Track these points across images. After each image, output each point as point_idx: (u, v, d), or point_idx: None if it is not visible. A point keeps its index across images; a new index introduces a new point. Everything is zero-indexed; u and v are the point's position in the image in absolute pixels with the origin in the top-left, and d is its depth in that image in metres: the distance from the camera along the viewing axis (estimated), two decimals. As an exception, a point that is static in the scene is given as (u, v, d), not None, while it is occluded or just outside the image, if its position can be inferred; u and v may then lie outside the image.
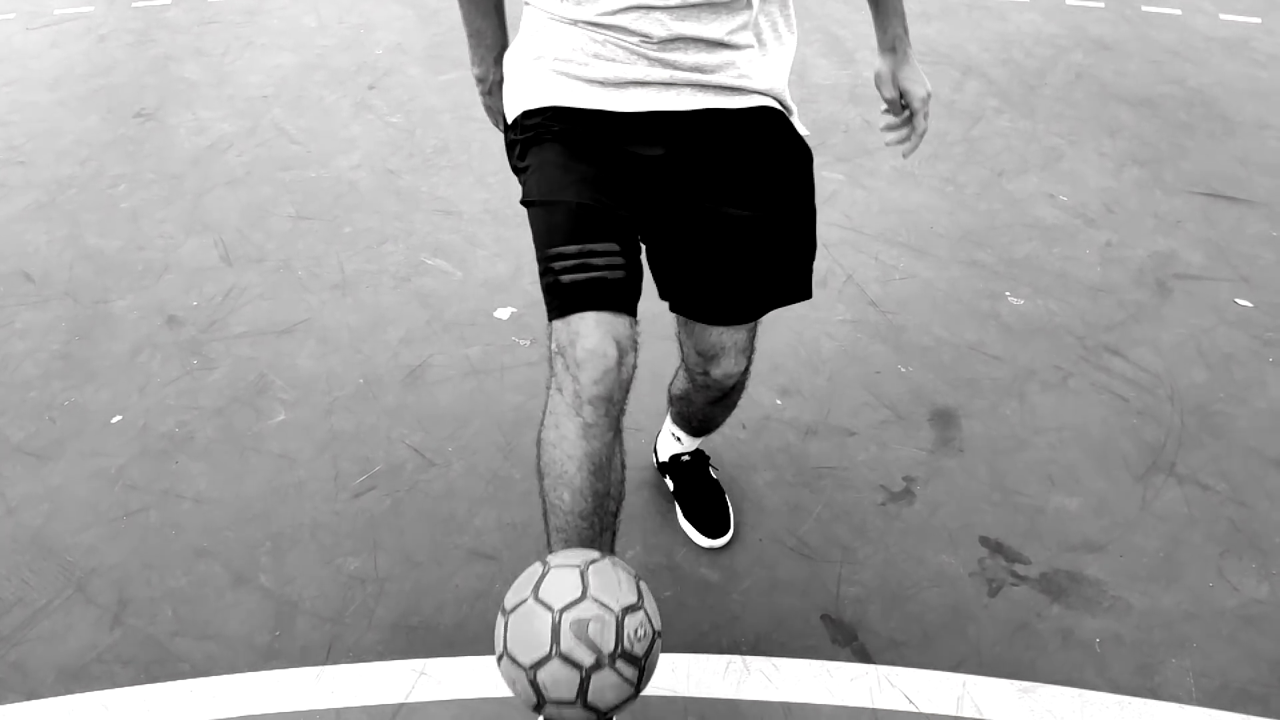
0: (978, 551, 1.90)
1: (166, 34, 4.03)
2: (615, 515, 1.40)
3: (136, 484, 1.99)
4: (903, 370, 2.35)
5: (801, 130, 1.48)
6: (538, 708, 1.21)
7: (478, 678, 1.65)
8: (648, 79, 1.33)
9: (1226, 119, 3.52)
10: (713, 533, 1.89)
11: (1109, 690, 1.66)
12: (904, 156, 1.55)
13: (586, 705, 1.18)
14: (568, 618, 1.18)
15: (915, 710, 1.62)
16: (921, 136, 1.54)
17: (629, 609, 1.21)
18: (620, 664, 1.19)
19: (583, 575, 1.21)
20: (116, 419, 2.15)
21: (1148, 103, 3.62)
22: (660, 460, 2.01)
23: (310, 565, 1.83)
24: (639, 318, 1.33)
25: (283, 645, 1.69)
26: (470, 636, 1.71)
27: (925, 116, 1.53)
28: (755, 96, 1.40)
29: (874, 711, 1.62)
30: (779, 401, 2.24)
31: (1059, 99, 3.64)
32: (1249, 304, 2.61)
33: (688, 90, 1.35)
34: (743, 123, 1.41)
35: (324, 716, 1.58)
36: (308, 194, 2.96)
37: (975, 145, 3.32)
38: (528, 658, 1.18)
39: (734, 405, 1.75)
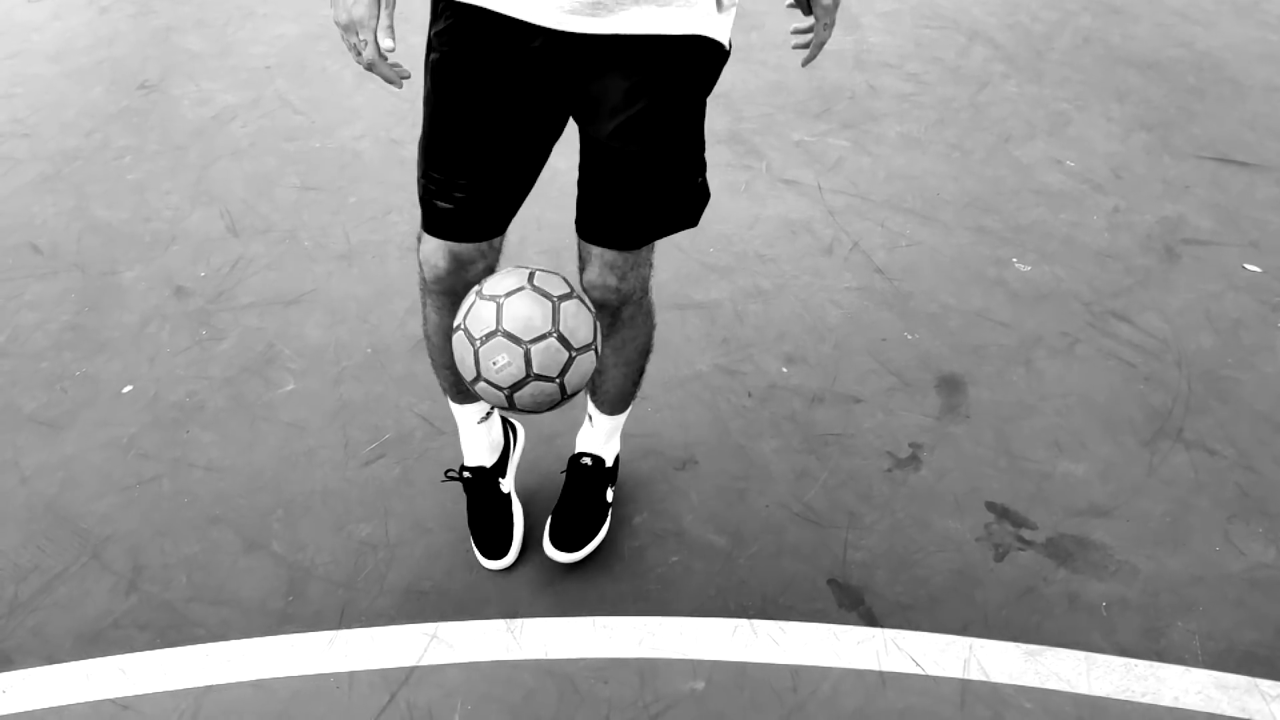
0: (984, 517, 1.91)
1: (168, 5, 4.00)
2: None
3: (149, 453, 2.01)
4: (909, 337, 2.35)
5: (721, 36, 1.33)
6: (526, 373, 1.28)
7: (489, 641, 1.67)
8: None
9: (1236, 82, 3.49)
10: (563, 544, 1.76)
11: (1115, 653, 1.68)
12: (802, 65, 1.47)
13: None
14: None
15: (922, 673, 1.64)
16: (819, 48, 1.43)
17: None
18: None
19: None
20: (127, 389, 2.16)
21: (1156, 66, 3.58)
22: (575, 451, 1.87)
23: (322, 532, 1.84)
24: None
25: (296, 610, 1.71)
26: (481, 600, 1.73)
27: (826, 27, 1.39)
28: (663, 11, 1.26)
29: (881, 674, 1.63)
30: (785, 369, 2.24)
31: (1066, 63, 3.60)
32: (1258, 269, 2.60)
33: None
34: (637, 51, 1.28)
35: (337, 680, 1.60)
36: (312, 164, 2.95)
37: (981, 110, 3.29)
38: (479, 329, 1.29)
39: (631, 354, 1.67)
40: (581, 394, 1.79)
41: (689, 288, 2.48)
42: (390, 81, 1.33)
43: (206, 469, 1.98)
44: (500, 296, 1.28)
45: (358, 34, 1.24)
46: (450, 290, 1.51)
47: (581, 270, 1.54)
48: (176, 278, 2.49)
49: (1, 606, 1.71)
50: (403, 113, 3.21)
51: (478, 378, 1.30)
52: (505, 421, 1.90)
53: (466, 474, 1.80)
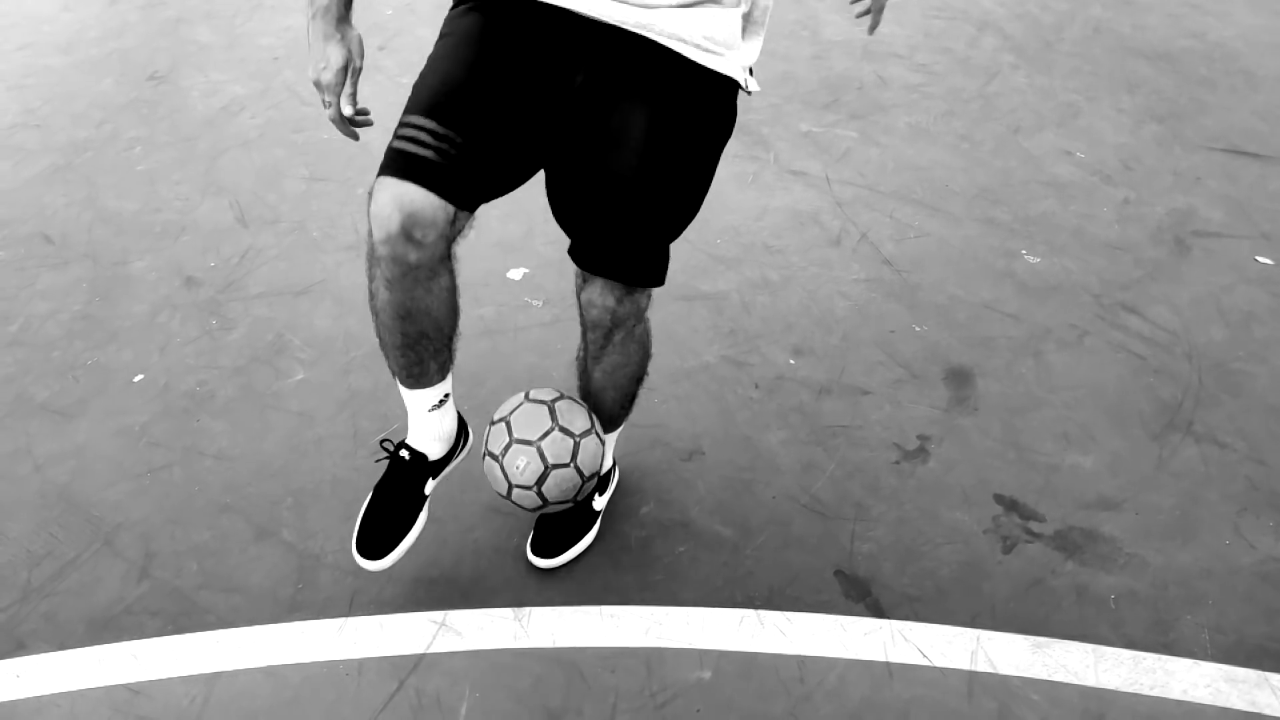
0: (992, 509, 1.91)
1: (177, -5, 4.01)
2: (439, 349, 1.51)
3: (160, 441, 2.02)
4: (917, 329, 2.34)
5: (751, 86, 1.43)
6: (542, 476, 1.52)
7: (497, 629, 1.68)
8: None
9: (1248, 73, 3.47)
10: (541, 550, 1.78)
11: (1123, 646, 1.68)
12: (869, 33, 1.64)
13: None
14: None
15: (929, 664, 1.64)
16: (879, 12, 1.62)
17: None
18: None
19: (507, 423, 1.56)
20: (138, 378, 2.17)
21: (1167, 57, 3.56)
22: None
23: (331, 520, 1.85)
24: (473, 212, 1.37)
25: (305, 597, 1.72)
26: (489, 588, 1.74)
27: None
28: (701, 53, 1.34)
29: (888, 665, 1.64)
30: (792, 361, 2.24)
31: (1076, 54, 3.58)
32: (1269, 261, 2.58)
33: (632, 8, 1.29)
34: (673, 78, 1.35)
35: (346, 667, 1.61)
36: (320, 155, 2.96)
37: (991, 102, 3.28)
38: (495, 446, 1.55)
39: (622, 379, 1.66)
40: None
41: (696, 279, 2.48)
42: (349, 137, 1.48)
43: (217, 457, 1.99)
44: (507, 415, 1.55)
45: (325, 96, 1.40)
46: (399, 258, 1.32)
47: (580, 288, 1.55)
48: (186, 268, 2.50)
49: (14, 593, 1.73)
50: (411, 104, 3.22)
51: (510, 487, 1.53)
52: (460, 423, 1.71)
53: (404, 453, 1.61)
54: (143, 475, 1.95)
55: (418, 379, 1.55)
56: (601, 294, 1.51)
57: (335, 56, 1.37)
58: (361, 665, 1.62)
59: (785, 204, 2.77)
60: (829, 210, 2.75)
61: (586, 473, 1.54)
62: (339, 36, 1.37)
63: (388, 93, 3.29)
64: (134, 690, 1.58)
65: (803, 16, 3.83)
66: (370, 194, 1.33)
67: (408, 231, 1.29)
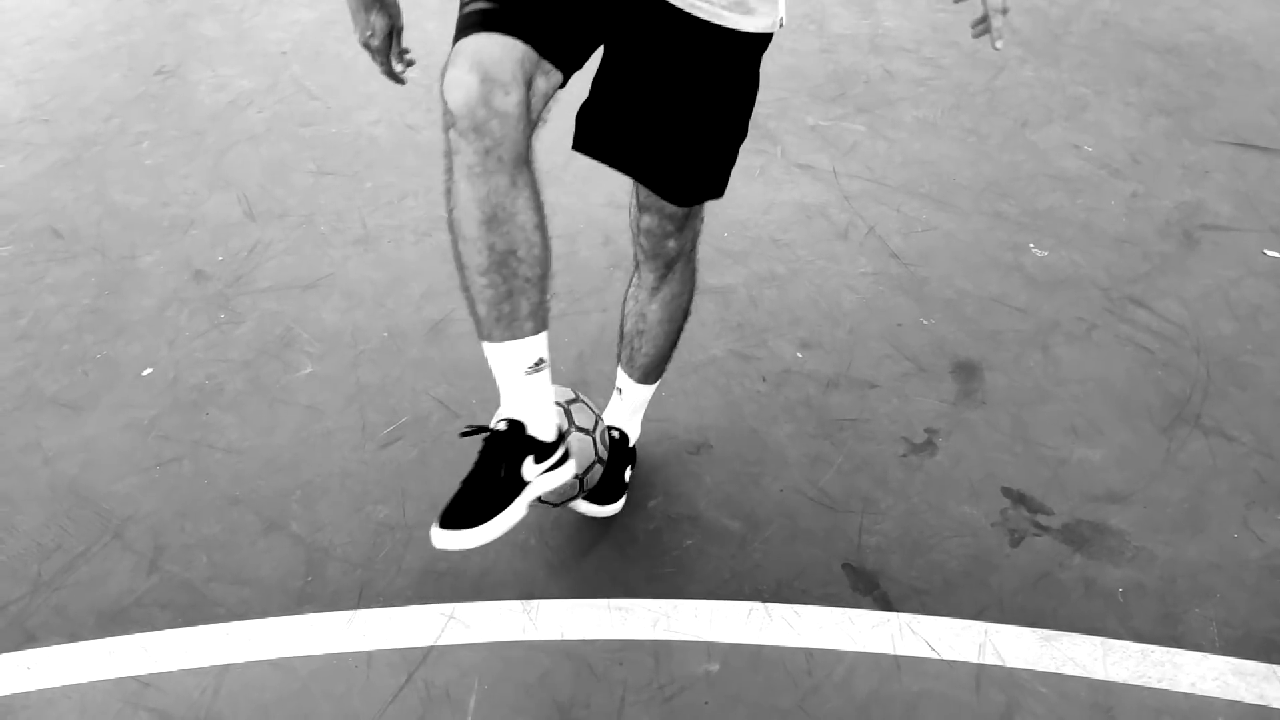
0: (1000, 502, 1.91)
1: (183, -10, 4.01)
2: (532, 281, 1.29)
3: (169, 435, 2.03)
4: (925, 322, 2.34)
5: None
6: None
7: (506, 622, 1.68)
8: None
9: (1257, 66, 3.45)
10: (601, 499, 1.81)
11: (1131, 639, 1.68)
12: (995, 48, 1.46)
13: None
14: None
15: (937, 657, 1.64)
16: (1001, 13, 1.45)
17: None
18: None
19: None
20: (147, 371, 2.18)
21: (1175, 50, 3.54)
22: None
23: (340, 513, 1.86)
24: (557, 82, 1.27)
25: (315, 590, 1.73)
26: (497, 581, 1.75)
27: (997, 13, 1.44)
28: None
29: (896, 658, 1.64)
30: (799, 354, 2.24)
31: (1084, 47, 3.57)
32: (1278, 255, 2.58)
33: None
34: (720, 40, 1.40)
35: (356, 659, 1.62)
36: (328, 150, 2.96)
37: (998, 95, 3.27)
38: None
39: (675, 310, 1.72)
40: (615, 364, 1.86)
41: (703, 272, 2.45)
42: (397, 84, 1.60)
43: (226, 451, 1.99)
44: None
45: (376, 58, 1.52)
46: (480, 127, 1.16)
47: (635, 219, 1.60)
48: (195, 262, 2.51)
49: (25, 585, 1.74)
50: (417, 98, 3.21)
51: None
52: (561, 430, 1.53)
53: (501, 424, 1.36)
54: (152, 468, 1.95)
55: (509, 322, 1.29)
56: (661, 222, 1.57)
57: (380, 24, 1.47)
58: (370, 657, 1.62)
59: (792, 198, 2.77)
60: (836, 204, 2.75)
61: (578, 468, 1.54)
62: (380, 4, 1.45)
63: (395, 86, 3.29)
64: (144, 682, 1.59)
65: (810, 10, 3.82)
66: (444, 70, 1.19)
67: (486, 96, 1.16)
